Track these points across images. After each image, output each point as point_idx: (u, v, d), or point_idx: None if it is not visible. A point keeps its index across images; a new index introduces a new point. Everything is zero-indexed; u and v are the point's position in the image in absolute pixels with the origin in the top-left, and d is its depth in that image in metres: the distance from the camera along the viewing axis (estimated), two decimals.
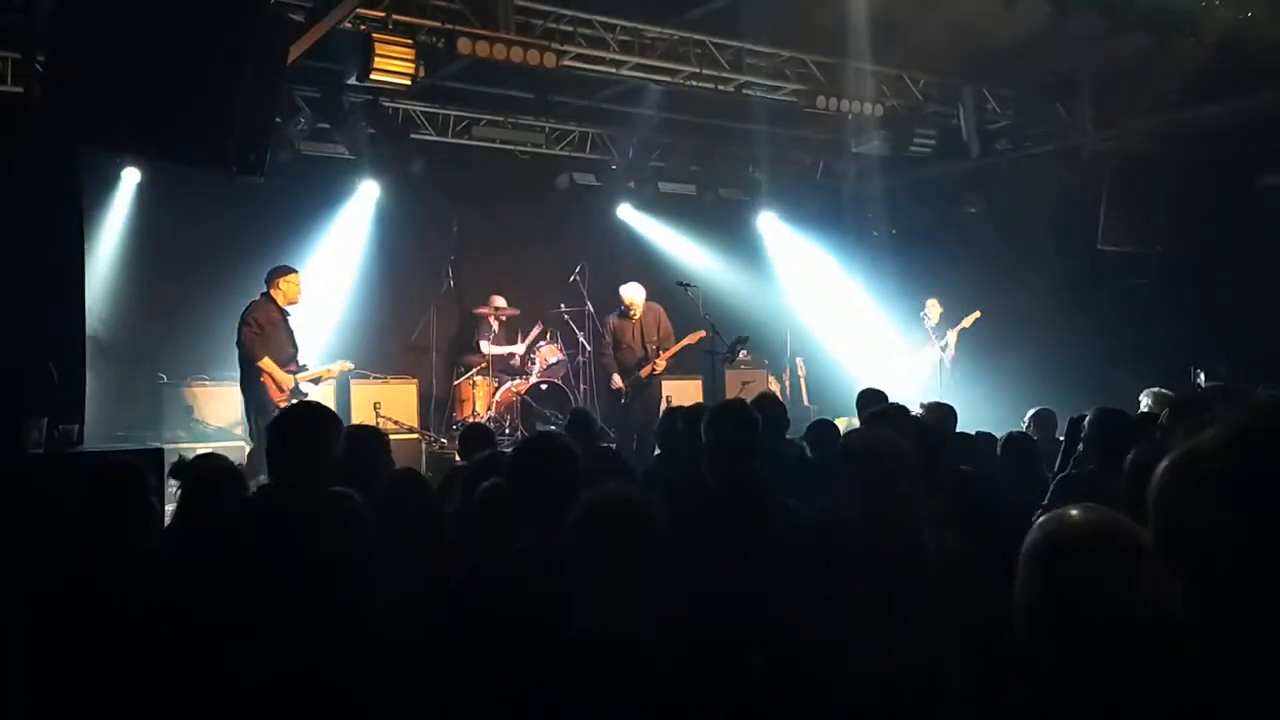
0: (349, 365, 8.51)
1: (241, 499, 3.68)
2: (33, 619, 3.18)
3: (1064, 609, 1.63)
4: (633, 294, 9.46)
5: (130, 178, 9.34)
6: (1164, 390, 6.14)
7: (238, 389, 8.05)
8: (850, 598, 2.64)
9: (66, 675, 2.95)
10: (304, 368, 7.87)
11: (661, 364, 9.41)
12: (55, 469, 5.10)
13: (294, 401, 7.61)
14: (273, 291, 7.73)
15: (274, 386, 7.54)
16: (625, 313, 9.50)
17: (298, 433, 3.20)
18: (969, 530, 3.04)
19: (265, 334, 7.55)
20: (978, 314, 10.08)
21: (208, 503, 3.72)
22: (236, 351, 7.66)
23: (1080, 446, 4.68)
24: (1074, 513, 1.72)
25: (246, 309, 7.67)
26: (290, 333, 7.80)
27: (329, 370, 8.16)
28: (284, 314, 7.75)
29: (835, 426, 5.74)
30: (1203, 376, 7.77)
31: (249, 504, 3.49)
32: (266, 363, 7.51)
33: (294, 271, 7.90)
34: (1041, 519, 1.78)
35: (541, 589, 2.56)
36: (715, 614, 2.81)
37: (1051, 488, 4.39)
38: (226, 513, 3.40)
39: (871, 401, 6.21)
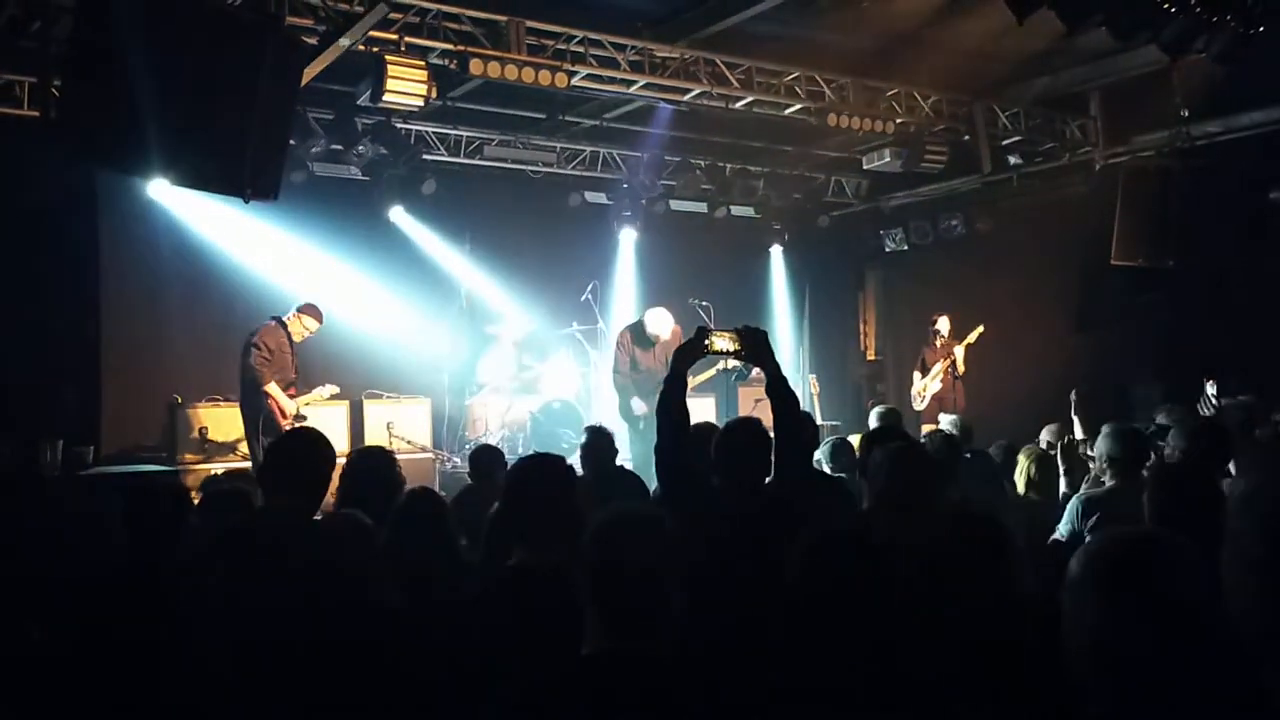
0: (335, 389, 8.47)
1: (248, 519, 3.73)
2: (50, 640, 3.19)
3: (1133, 631, 1.59)
4: (659, 326, 8.73)
5: (147, 199, 9.37)
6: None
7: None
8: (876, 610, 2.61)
9: (83, 694, 2.96)
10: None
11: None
12: (70, 489, 5.11)
13: (297, 425, 7.70)
14: (291, 318, 8.00)
15: (278, 410, 7.74)
16: (645, 339, 8.78)
17: (297, 454, 3.33)
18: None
19: (273, 359, 7.76)
20: (980, 329, 10.03)
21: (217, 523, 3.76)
22: (241, 374, 7.83)
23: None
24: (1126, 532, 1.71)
25: (255, 332, 7.79)
26: (294, 358, 8.03)
27: (319, 395, 8.24)
28: (291, 341, 7.99)
29: (850, 443, 5.76)
30: (1214, 388, 7.69)
31: (255, 523, 3.51)
32: (272, 387, 7.72)
33: (318, 318, 8.17)
34: (1091, 544, 1.75)
35: (546, 605, 2.56)
36: (736, 630, 2.79)
37: (1075, 505, 4.37)
38: (234, 532, 3.42)
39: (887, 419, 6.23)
